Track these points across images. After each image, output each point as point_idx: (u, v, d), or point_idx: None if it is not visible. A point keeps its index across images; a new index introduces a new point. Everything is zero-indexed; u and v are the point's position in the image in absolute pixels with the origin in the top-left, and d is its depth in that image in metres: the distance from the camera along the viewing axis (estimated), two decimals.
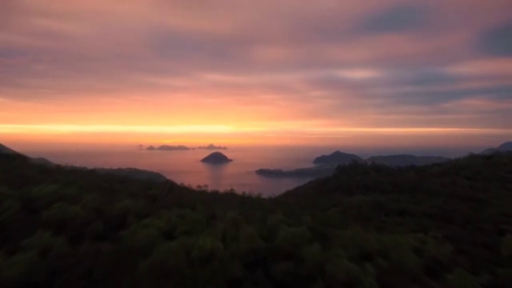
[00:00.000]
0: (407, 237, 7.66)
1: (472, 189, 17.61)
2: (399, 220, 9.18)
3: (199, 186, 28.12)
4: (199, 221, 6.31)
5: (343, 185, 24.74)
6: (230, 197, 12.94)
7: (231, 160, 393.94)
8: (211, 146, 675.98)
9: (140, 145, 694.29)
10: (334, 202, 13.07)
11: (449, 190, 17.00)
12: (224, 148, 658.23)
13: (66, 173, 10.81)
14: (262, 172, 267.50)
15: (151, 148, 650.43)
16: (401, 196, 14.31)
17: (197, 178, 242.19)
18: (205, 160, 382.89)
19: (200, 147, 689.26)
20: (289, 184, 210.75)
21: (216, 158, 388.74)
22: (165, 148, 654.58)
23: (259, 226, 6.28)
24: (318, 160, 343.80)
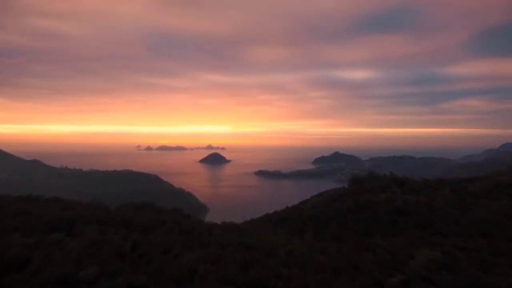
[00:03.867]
0: None
1: None
2: None
3: (182, 227, 21.09)
4: None
5: (367, 209, 19.77)
6: (229, 238, 8.47)
7: (229, 161, 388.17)
8: (209, 147, 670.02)
9: (138, 146, 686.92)
10: (384, 261, 8.38)
11: None
12: (223, 148, 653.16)
13: None
14: (261, 173, 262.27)
15: (149, 148, 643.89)
16: (475, 246, 9.83)
17: (196, 180, 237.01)
18: (203, 160, 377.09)
19: (198, 148, 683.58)
20: (288, 186, 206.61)
21: (215, 158, 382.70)
22: (163, 148, 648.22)
23: None
24: (318, 161, 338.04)
